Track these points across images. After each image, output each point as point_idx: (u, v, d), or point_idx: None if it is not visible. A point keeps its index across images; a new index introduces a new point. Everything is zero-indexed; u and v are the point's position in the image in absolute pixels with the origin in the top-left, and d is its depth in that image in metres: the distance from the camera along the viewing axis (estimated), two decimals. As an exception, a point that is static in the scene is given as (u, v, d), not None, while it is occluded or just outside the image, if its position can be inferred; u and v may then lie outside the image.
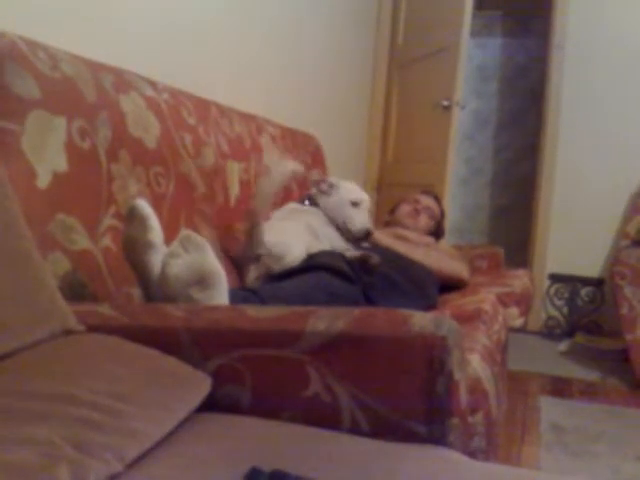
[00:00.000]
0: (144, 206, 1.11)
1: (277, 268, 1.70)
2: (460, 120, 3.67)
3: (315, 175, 2.58)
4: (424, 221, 2.50)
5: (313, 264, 1.67)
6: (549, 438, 2.19)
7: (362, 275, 1.71)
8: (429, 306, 1.87)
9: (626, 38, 3.71)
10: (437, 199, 2.64)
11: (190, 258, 1.10)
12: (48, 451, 0.61)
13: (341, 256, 1.76)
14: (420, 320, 0.89)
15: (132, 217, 1.11)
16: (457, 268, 2.20)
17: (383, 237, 2.17)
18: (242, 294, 1.36)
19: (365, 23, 3.85)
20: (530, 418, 2.41)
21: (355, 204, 2.05)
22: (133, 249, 1.13)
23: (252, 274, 1.71)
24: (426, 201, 2.55)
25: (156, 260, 1.12)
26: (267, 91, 2.64)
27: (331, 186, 2.08)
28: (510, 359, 2.63)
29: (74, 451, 0.63)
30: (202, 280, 1.10)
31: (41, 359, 0.80)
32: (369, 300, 1.70)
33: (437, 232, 2.58)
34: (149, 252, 1.12)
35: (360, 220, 2.03)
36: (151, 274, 1.12)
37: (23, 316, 0.83)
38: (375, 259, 1.76)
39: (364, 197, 2.09)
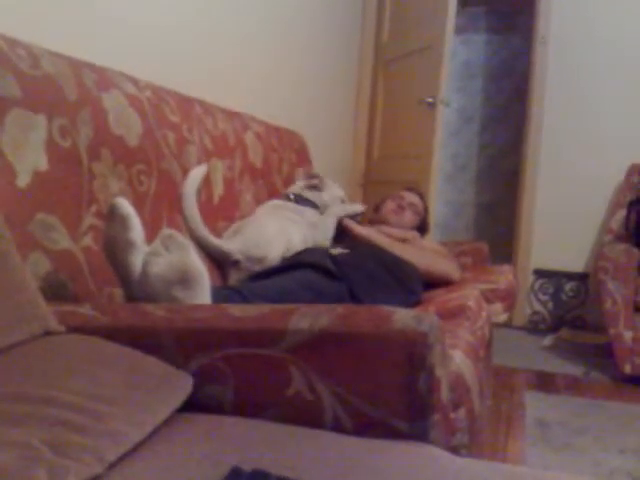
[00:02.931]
0: (124, 205, 1.10)
1: (258, 269, 1.70)
2: (445, 117, 3.68)
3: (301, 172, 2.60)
4: (408, 217, 2.51)
5: (297, 262, 1.67)
6: (534, 433, 2.21)
7: (347, 272, 1.72)
8: (414, 302, 1.88)
9: (610, 34, 3.74)
10: (421, 196, 2.64)
11: (172, 257, 1.10)
12: (26, 453, 0.61)
13: (325, 253, 1.76)
14: (402, 317, 0.89)
15: (112, 216, 1.10)
16: (448, 268, 2.20)
17: (375, 235, 2.18)
18: (225, 292, 1.36)
19: (350, 20, 3.85)
20: (515, 413, 2.43)
21: (343, 201, 2.13)
22: (114, 248, 1.12)
23: (233, 277, 1.71)
24: (410, 197, 2.56)
25: (137, 259, 1.11)
26: (252, 89, 2.63)
27: (322, 182, 2.14)
28: (495, 354, 2.64)
29: (53, 453, 0.63)
30: (184, 279, 1.10)
31: (20, 360, 0.79)
32: (354, 297, 1.70)
33: (421, 228, 2.59)
34: (130, 251, 1.11)
35: (357, 206, 2.25)
36: (132, 274, 1.12)
37: (2, 317, 0.82)
38: (337, 251, 1.78)
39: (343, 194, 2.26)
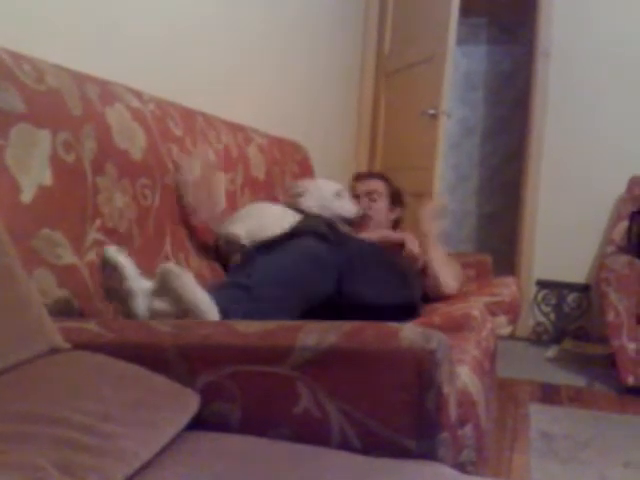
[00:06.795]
0: (113, 255, 1.13)
1: None
2: (447, 128, 3.68)
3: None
4: (377, 206, 2.38)
5: (297, 230, 1.63)
6: (538, 445, 2.20)
7: (345, 240, 1.68)
8: (412, 306, 1.83)
9: (611, 44, 3.74)
10: (373, 175, 2.57)
11: (173, 294, 1.13)
12: (33, 474, 0.60)
13: (324, 221, 1.74)
14: (409, 334, 0.88)
15: (105, 268, 1.14)
16: (448, 281, 2.17)
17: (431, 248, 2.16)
18: (229, 292, 1.31)
19: (352, 33, 3.86)
20: (519, 425, 2.42)
21: (338, 195, 2.12)
22: (115, 298, 1.16)
23: (235, 259, 1.73)
24: (362, 187, 2.42)
25: (140, 304, 1.14)
26: (255, 101, 2.64)
27: (303, 187, 2.15)
28: (498, 366, 2.63)
29: (60, 474, 0.62)
30: (189, 312, 1.13)
31: (27, 379, 0.78)
32: (351, 268, 1.62)
33: (396, 202, 2.47)
34: (131, 299, 1.13)
35: (350, 208, 2.17)
36: (138, 317, 1.14)
37: (8, 335, 0.81)
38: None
39: (340, 186, 2.21)
